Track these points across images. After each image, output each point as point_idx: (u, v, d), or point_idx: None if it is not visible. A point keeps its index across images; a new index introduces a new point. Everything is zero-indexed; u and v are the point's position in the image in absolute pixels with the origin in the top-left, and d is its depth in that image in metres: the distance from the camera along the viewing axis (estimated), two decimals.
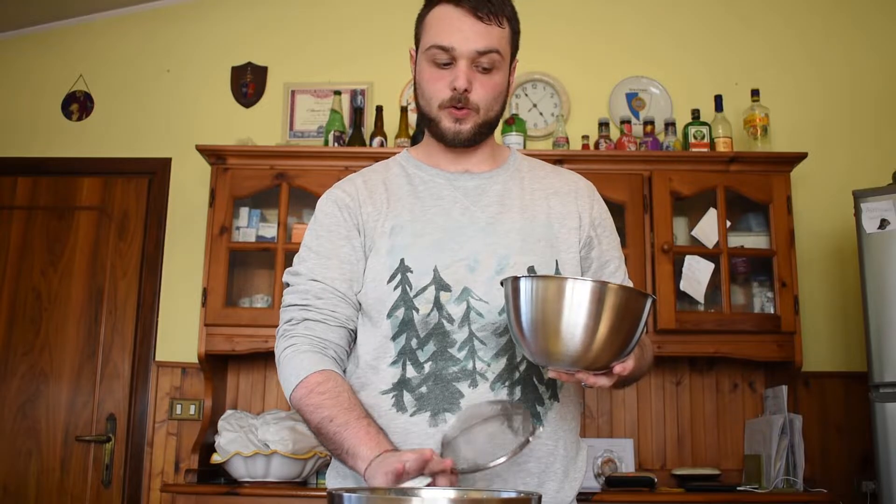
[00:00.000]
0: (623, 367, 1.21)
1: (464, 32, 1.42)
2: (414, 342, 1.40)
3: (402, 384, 1.40)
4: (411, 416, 1.38)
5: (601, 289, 1.15)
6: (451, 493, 1.12)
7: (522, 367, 1.40)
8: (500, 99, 1.48)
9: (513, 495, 1.10)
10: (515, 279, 1.21)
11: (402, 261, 1.42)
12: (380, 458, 1.25)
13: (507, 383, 1.39)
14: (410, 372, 1.40)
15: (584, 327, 1.15)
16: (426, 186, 1.51)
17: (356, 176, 1.57)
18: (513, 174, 1.54)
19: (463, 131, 1.46)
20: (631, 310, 1.17)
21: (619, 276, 1.56)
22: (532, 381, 1.41)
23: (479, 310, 1.40)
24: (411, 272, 1.41)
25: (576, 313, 1.15)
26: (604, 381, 1.24)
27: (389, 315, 1.41)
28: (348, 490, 1.04)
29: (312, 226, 1.53)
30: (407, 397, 1.39)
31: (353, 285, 1.46)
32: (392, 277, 1.41)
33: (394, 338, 1.41)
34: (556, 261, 1.46)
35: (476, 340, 1.40)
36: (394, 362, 1.41)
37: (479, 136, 1.48)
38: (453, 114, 1.45)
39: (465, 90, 1.42)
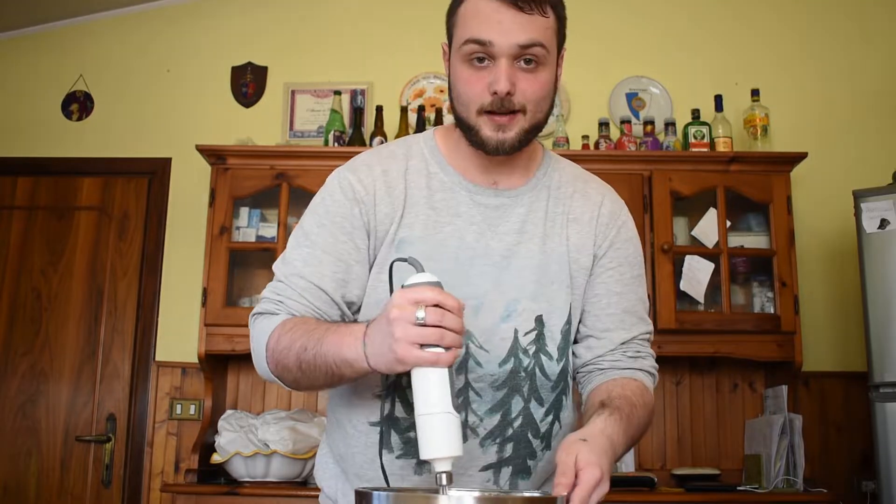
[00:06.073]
0: None
1: (503, 24, 1.22)
2: (405, 379, 1.25)
3: (390, 420, 1.29)
4: (397, 457, 1.29)
5: None
6: (476, 493, 1.13)
7: (517, 424, 1.29)
8: (548, 98, 1.28)
9: (537, 494, 1.09)
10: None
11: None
12: (371, 329, 1.12)
13: (497, 440, 1.29)
14: (399, 410, 1.29)
15: None
16: (444, 196, 1.33)
17: (375, 162, 1.35)
18: (540, 191, 1.37)
19: (507, 140, 1.26)
20: None
21: (613, 312, 1.36)
22: (526, 437, 1.31)
23: (478, 358, 1.28)
24: None
25: None
26: None
27: None
28: (371, 490, 1.04)
29: (316, 209, 1.34)
30: (395, 437, 1.29)
31: (341, 286, 1.30)
32: None
33: None
34: (570, 305, 1.34)
35: (471, 391, 1.28)
36: (378, 395, 1.30)
37: (524, 143, 1.29)
38: (495, 120, 1.25)
39: (508, 93, 1.23)
